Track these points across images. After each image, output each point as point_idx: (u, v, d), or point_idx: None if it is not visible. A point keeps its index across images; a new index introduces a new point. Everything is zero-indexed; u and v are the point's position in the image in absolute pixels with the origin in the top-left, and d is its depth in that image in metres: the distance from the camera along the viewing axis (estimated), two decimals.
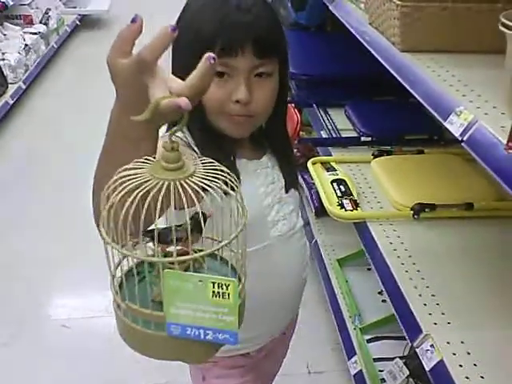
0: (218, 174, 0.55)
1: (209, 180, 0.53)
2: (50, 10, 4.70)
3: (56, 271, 2.26)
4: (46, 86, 4.13)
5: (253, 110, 0.87)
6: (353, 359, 1.55)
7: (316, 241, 2.00)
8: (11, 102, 3.46)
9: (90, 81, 4.18)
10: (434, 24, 1.07)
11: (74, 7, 5.48)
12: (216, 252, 0.56)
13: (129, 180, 0.51)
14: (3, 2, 3.84)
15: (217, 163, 0.57)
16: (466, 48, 1.09)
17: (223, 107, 0.86)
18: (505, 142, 0.73)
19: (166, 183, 0.51)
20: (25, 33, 4.11)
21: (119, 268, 0.60)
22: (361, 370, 1.50)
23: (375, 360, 1.49)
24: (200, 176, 0.53)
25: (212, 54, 0.53)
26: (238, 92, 0.84)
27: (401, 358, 1.38)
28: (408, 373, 1.31)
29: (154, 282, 0.57)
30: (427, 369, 0.99)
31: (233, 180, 0.56)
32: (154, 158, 0.56)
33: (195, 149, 0.90)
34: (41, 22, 4.46)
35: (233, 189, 0.56)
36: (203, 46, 0.79)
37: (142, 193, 0.50)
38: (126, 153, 0.57)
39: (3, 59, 3.58)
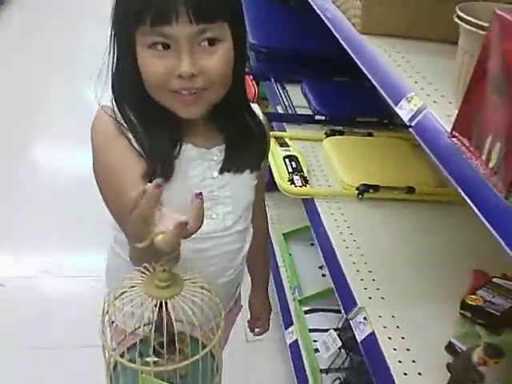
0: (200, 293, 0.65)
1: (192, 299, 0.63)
2: None
3: None
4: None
5: (202, 84, 0.79)
6: (290, 329, 1.61)
7: None
8: None
9: (44, 28, 3.97)
10: (394, 9, 1.09)
11: None
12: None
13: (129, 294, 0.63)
14: None
15: (199, 280, 0.66)
16: (423, 35, 1.12)
17: (166, 84, 0.78)
18: (449, 130, 0.76)
19: (158, 301, 0.61)
20: None
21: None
22: (296, 340, 1.56)
23: (311, 331, 1.55)
24: (185, 295, 0.63)
25: (197, 191, 0.58)
26: (179, 65, 0.76)
27: (335, 329, 1.44)
28: (340, 344, 1.38)
29: None
30: (359, 340, 1.05)
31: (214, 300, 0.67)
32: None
33: (126, 127, 0.83)
34: None
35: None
36: (136, 18, 0.76)
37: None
38: None
39: None
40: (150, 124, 0.84)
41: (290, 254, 1.81)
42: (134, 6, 0.77)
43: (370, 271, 1.18)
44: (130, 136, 0.84)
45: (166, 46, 0.77)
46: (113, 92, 0.87)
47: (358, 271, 1.18)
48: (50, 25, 4.03)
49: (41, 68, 3.45)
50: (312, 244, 1.79)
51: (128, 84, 0.85)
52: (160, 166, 0.83)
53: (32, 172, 2.56)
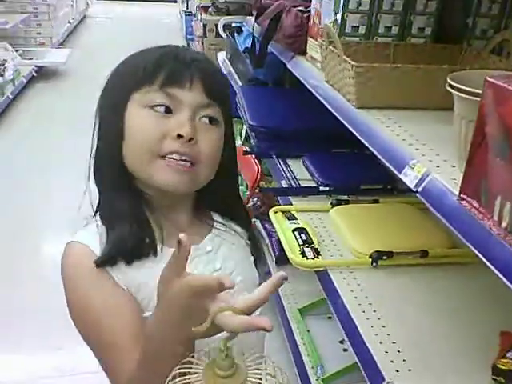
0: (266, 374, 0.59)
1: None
2: (6, 61, 4.69)
3: (5, 329, 2.14)
4: (0, 137, 4.04)
5: (196, 155, 0.77)
6: None
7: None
8: None
9: (45, 132, 4.15)
10: (386, 83, 1.14)
11: (31, 58, 5.48)
12: None
13: None
14: None
15: (264, 361, 0.61)
16: (416, 105, 1.17)
17: (158, 147, 0.75)
18: (456, 193, 0.78)
19: None
20: None
21: None
22: None
23: None
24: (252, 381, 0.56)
25: (284, 274, 0.58)
26: (180, 127, 0.75)
27: None
28: None
29: None
30: None
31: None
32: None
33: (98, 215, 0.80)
34: None
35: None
36: (145, 76, 0.74)
37: None
38: (167, 363, 0.60)
39: None
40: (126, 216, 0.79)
41: (309, 331, 1.76)
42: (145, 64, 0.76)
43: (393, 342, 1.14)
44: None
45: (168, 110, 0.76)
46: (94, 177, 0.84)
47: (381, 343, 1.14)
48: (52, 127, 4.21)
49: (44, 166, 3.56)
50: (330, 317, 1.75)
51: (108, 158, 0.80)
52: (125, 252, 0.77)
53: (41, 269, 2.56)
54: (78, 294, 0.78)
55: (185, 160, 0.77)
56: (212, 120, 0.80)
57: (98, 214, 0.83)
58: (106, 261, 0.76)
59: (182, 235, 0.57)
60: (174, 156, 0.76)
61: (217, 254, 0.87)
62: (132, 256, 0.77)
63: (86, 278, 0.77)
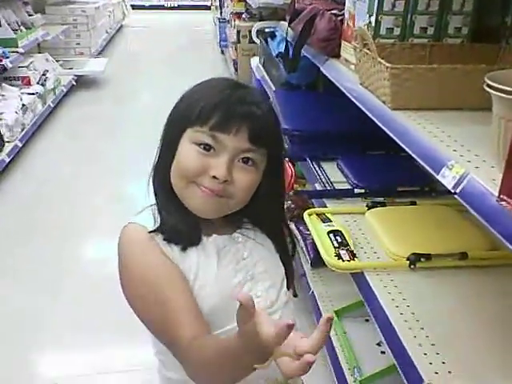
0: None
1: None
2: (47, 71, 4.86)
3: (44, 327, 2.22)
4: (42, 145, 4.20)
5: (228, 192, 0.86)
6: None
7: (313, 292, 2.00)
8: (7, 159, 3.50)
9: (85, 139, 4.28)
10: (422, 84, 1.14)
11: (71, 68, 5.67)
12: None
13: None
14: (2, 65, 3.95)
15: None
16: (453, 105, 1.16)
17: (196, 178, 0.86)
18: (496, 193, 0.77)
19: None
20: (22, 93, 4.21)
21: None
22: None
23: None
24: None
25: (330, 316, 0.62)
26: (217, 168, 0.84)
27: None
28: None
29: None
30: None
31: None
32: None
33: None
34: (38, 83, 4.59)
35: None
36: (198, 118, 0.84)
37: None
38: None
39: (0, 119, 3.64)
40: (175, 212, 0.91)
41: (345, 333, 1.76)
42: (202, 106, 0.84)
43: (432, 344, 1.13)
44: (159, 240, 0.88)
45: (211, 150, 0.85)
46: (153, 182, 0.95)
47: (420, 345, 1.13)
48: (92, 132, 4.35)
49: (84, 170, 3.68)
50: (367, 320, 1.74)
51: (164, 173, 0.92)
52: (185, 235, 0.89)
53: (83, 270, 2.64)
54: (133, 270, 0.86)
55: (216, 192, 0.86)
56: (250, 162, 0.87)
57: (151, 205, 0.94)
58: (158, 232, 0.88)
59: (239, 296, 0.61)
60: (207, 191, 0.87)
61: (245, 246, 0.96)
62: (186, 243, 0.89)
63: (140, 253, 0.86)
